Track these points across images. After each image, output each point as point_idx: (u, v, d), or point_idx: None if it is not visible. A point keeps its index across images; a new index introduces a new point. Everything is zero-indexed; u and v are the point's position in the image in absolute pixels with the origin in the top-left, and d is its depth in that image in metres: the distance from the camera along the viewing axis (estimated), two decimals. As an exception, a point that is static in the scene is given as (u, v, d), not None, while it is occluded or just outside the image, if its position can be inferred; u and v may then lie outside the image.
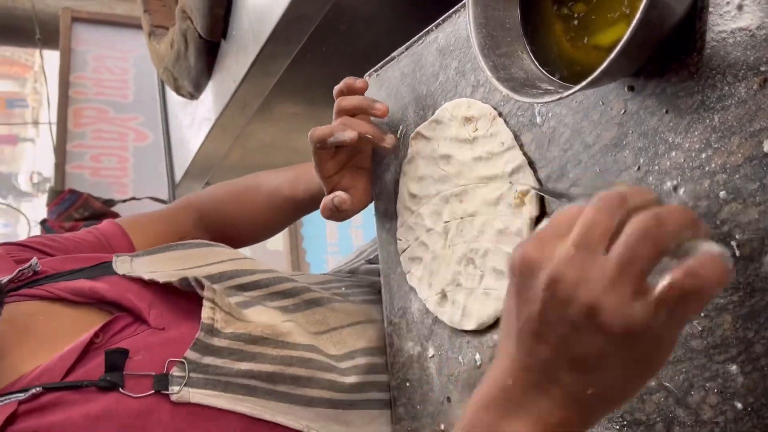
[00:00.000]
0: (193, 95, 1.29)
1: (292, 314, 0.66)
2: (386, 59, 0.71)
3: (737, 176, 0.37)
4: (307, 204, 0.78)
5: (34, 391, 0.52)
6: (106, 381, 0.54)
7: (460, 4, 0.58)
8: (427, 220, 0.63)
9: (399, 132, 0.69)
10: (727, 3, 0.37)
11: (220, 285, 0.64)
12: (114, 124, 2.51)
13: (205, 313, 0.58)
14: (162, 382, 0.55)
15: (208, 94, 1.26)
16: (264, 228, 0.87)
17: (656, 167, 0.42)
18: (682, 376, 0.40)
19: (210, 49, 1.10)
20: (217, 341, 0.58)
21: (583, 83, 0.38)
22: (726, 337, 0.38)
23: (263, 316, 0.64)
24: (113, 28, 2.56)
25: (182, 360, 0.56)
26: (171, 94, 1.49)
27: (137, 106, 2.57)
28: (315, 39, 0.88)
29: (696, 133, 0.39)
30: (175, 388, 0.55)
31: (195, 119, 1.37)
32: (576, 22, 0.44)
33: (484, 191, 0.56)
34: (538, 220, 0.51)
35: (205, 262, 0.67)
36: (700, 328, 0.39)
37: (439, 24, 0.63)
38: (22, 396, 0.52)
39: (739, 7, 0.37)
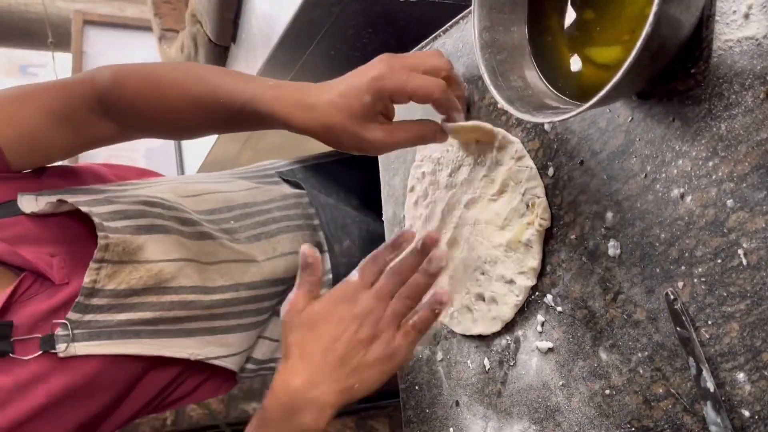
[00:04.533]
0: (204, 98, 1.29)
1: (189, 242, 0.68)
2: (394, 64, 0.71)
3: (744, 185, 0.37)
4: (247, 122, 0.64)
5: None
6: None
7: (467, 10, 0.58)
8: (436, 225, 0.63)
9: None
10: (734, 12, 0.37)
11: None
12: (126, 125, 2.52)
13: (89, 276, 0.60)
14: (48, 342, 0.59)
15: (219, 97, 1.26)
16: (184, 129, 0.72)
17: (663, 175, 0.42)
18: (689, 383, 0.40)
19: (220, 52, 1.11)
20: (96, 300, 0.61)
21: (588, 103, 0.39)
22: (733, 345, 0.38)
23: (159, 249, 0.65)
24: (124, 31, 2.57)
25: (65, 321, 0.60)
26: (182, 97, 1.50)
27: (149, 107, 2.57)
28: (323, 43, 0.88)
29: (703, 141, 0.39)
30: (62, 346, 0.59)
31: (205, 122, 1.37)
32: (580, 32, 0.44)
33: (494, 199, 0.56)
34: (547, 230, 0.51)
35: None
36: (708, 336, 0.39)
37: (446, 29, 0.63)
38: None
39: (746, 16, 0.37)
